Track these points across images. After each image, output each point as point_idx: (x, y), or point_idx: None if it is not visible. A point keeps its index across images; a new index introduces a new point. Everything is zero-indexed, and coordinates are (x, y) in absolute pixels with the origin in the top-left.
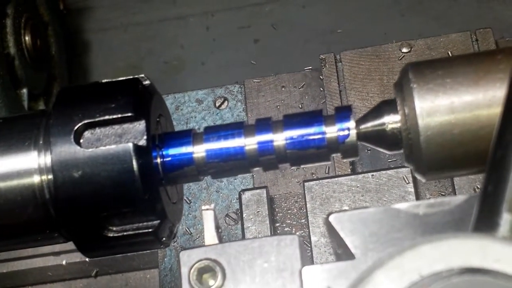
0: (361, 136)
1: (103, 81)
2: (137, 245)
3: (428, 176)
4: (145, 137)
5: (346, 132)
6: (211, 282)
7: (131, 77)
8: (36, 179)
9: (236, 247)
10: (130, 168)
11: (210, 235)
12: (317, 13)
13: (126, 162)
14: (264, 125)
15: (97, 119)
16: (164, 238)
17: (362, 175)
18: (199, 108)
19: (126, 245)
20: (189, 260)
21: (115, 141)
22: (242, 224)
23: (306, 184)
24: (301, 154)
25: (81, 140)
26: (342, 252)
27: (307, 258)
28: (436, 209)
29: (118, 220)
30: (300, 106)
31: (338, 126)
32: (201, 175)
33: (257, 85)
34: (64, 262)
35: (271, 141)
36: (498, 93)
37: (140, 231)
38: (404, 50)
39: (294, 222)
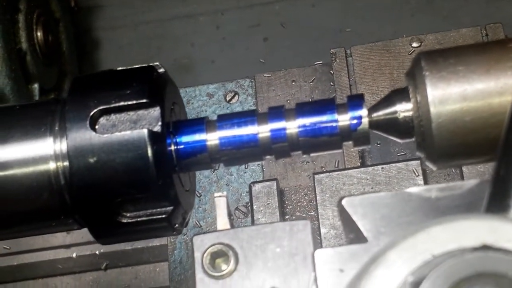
0: (373, 124)
1: (118, 68)
2: (150, 231)
3: (439, 164)
4: (159, 123)
5: (358, 120)
6: (223, 266)
7: (146, 65)
8: (51, 165)
9: (248, 232)
10: (145, 154)
11: (222, 221)
12: (326, 12)
13: (140, 148)
14: (277, 113)
15: (112, 105)
16: (177, 225)
17: (372, 167)
18: (209, 102)
19: (140, 231)
20: (202, 244)
21: (130, 127)
22: (252, 216)
23: (316, 176)
24: (313, 141)
25: (97, 126)
26: (354, 236)
27: (319, 244)
28: (448, 193)
29: (132, 206)
30: (310, 101)
31: (350, 114)
32: (214, 163)
33: (268, 79)
34: (74, 255)
35: (284, 129)
36: (509, 81)
37: (154, 217)
38: (415, 44)
39: (304, 215)
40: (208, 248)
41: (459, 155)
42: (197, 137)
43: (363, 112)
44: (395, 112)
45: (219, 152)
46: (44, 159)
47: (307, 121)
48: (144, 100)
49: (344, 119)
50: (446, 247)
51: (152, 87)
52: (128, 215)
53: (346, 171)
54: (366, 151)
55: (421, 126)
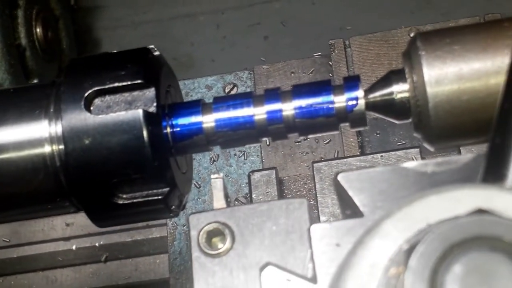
0: (370, 105)
1: (113, 51)
2: (147, 213)
3: (436, 145)
4: (155, 104)
5: (354, 102)
6: (220, 245)
7: (141, 47)
8: (47, 146)
9: (245, 211)
10: (140, 134)
11: (218, 202)
12: (326, 10)
13: (136, 128)
14: (273, 94)
15: (107, 86)
16: (173, 207)
17: (371, 155)
18: (208, 94)
19: (136, 213)
20: (198, 223)
21: (125, 108)
22: None
23: (315, 165)
24: (309, 123)
25: (92, 107)
26: (350, 212)
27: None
28: (444, 167)
29: (128, 187)
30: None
31: (346, 95)
32: (210, 145)
33: (267, 71)
34: (74, 247)
35: (280, 110)
36: (506, 59)
37: (150, 199)
38: (413, 35)
39: None
40: (204, 227)
41: (456, 135)
42: (193, 119)
43: (360, 93)
44: (392, 93)
45: (215, 134)
46: (39, 141)
47: (303, 102)
48: (139, 81)
49: (340, 100)
50: (441, 216)
51: (147, 68)
52: (124, 196)
53: (345, 160)
54: (366, 141)
55: (418, 106)
